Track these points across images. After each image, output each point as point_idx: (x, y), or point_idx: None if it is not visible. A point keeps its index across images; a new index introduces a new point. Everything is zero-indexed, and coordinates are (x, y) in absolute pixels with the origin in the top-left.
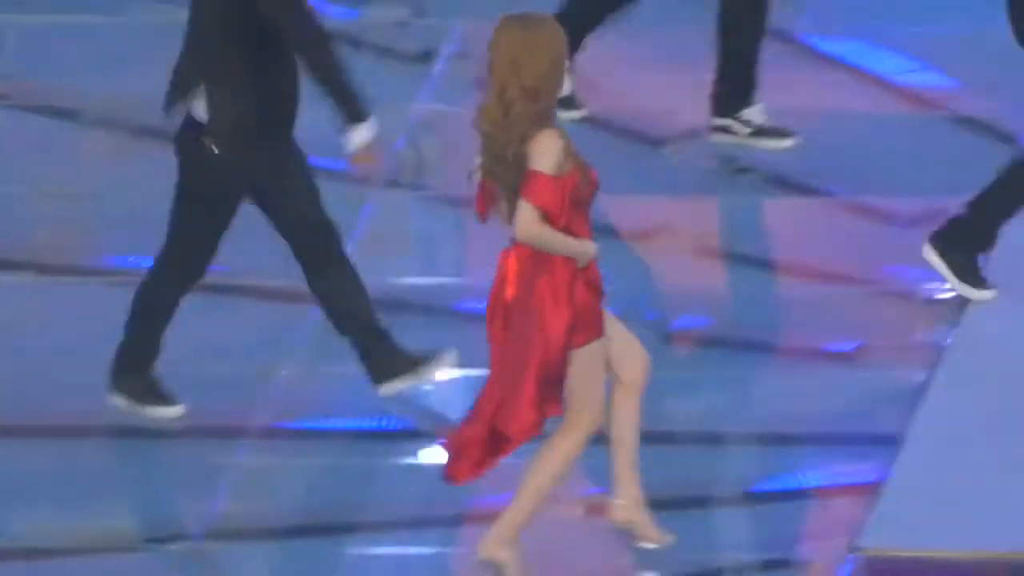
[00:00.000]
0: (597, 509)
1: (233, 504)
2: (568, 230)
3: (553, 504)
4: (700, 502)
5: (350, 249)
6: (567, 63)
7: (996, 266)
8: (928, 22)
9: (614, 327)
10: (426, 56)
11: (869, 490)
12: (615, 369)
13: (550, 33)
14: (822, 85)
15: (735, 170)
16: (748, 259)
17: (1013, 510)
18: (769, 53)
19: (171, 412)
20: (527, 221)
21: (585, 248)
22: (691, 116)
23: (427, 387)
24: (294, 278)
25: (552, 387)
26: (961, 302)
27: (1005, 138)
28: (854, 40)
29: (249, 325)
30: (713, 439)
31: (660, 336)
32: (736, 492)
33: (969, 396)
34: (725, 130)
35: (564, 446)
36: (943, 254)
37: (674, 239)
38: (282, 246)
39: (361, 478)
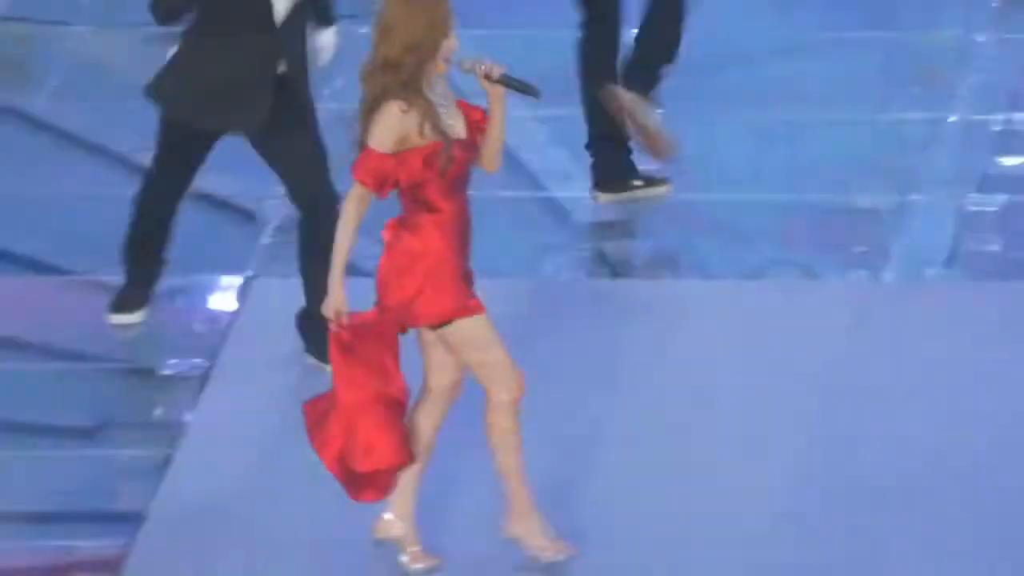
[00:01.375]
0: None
1: None
2: (428, 204)
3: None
4: None
5: None
6: (447, 42)
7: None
8: None
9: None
10: None
11: (109, 566)
12: (425, 373)
13: (427, 10)
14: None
15: None
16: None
17: None
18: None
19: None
20: (349, 194)
21: (333, 294)
22: None
23: None
24: None
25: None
26: (201, 380)
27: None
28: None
29: None
30: None
31: None
32: None
33: (211, 472)
34: None
35: (497, 424)
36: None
37: None
38: None
39: None
